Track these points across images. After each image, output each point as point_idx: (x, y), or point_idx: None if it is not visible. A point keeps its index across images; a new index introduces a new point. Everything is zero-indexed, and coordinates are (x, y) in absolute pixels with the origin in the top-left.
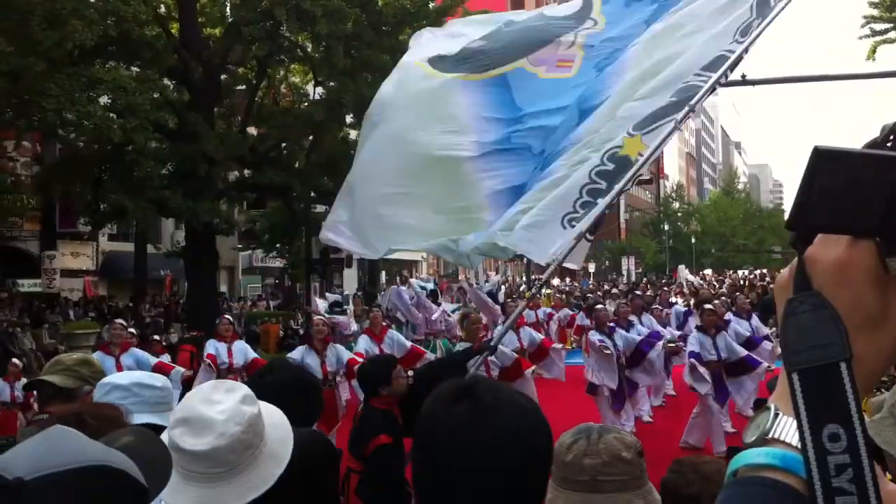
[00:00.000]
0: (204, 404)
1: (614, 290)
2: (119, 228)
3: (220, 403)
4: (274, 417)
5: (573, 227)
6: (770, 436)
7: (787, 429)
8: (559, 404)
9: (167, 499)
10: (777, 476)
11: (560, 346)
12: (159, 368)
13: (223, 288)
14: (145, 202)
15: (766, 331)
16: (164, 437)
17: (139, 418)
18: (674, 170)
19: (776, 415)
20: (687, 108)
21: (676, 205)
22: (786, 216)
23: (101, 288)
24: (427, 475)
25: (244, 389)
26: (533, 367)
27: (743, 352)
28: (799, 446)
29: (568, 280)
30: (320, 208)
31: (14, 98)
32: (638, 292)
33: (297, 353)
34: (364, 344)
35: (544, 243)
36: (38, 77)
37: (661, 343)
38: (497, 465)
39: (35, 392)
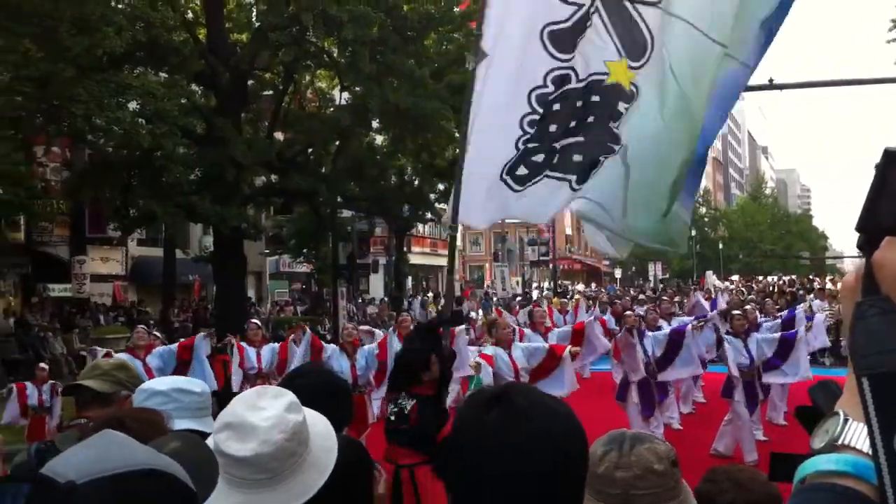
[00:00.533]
0: (249, 410)
1: (641, 296)
2: (148, 233)
3: (266, 410)
4: (318, 426)
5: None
6: (840, 442)
7: (858, 435)
8: (588, 409)
9: (210, 503)
10: (847, 483)
11: (592, 317)
12: (183, 347)
13: (250, 293)
14: (174, 207)
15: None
16: (210, 441)
17: (179, 424)
18: None
19: (846, 420)
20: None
21: (703, 210)
22: (813, 222)
23: (130, 292)
24: (460, 479)
25: (290, 396)
26: (569, 347)
27: (776, 335)
28: (870, 452)
29: (594, 285)
30: (346, 213)
31: (43, 104)
32: (665, 297)
33: (326, 351)
34: (396, 345)
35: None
36: (68, 83)
37: (690, 326)
38: (529, 469)
39: (56, 396)
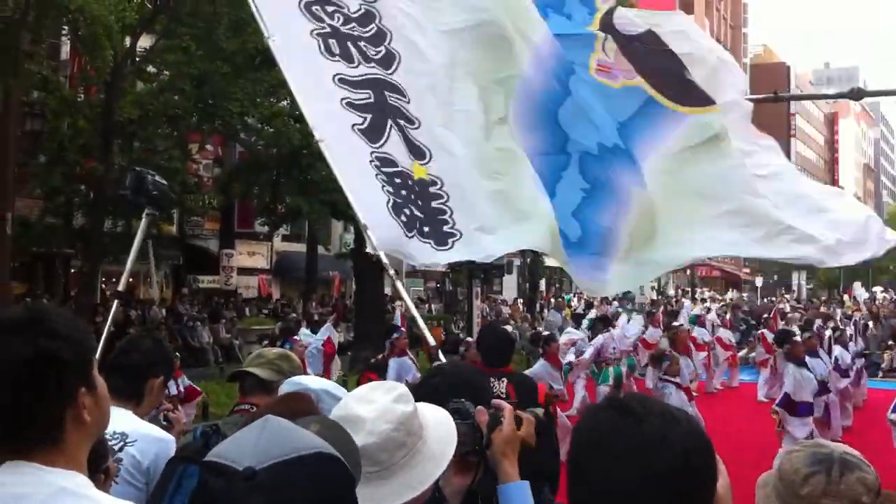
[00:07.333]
0: (358, 402)
1: (783, 305)
2: (292, 230)
3: (374, 402)
4: (438, 415)
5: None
6: None
7: None
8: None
9: None
10: None
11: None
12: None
13: (387, 290)
14: (319, 204)
15: None
16: None
17: None
18: (849, 181)
19: None
20: None
21: None
22: None
23: (273, 286)
24: (579, 483)
25: (401, 389)
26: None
27: None
28: None
29: (733, 291)
30: None
31: (199, 102)
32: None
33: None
34: None
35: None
36: (224, 80)
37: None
38: (646, 473)
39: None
